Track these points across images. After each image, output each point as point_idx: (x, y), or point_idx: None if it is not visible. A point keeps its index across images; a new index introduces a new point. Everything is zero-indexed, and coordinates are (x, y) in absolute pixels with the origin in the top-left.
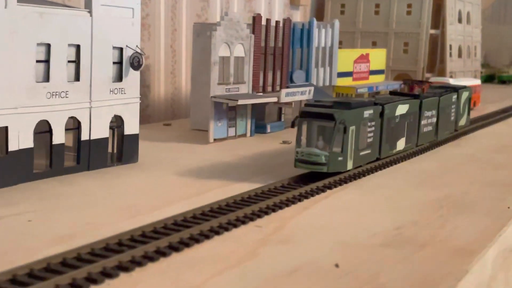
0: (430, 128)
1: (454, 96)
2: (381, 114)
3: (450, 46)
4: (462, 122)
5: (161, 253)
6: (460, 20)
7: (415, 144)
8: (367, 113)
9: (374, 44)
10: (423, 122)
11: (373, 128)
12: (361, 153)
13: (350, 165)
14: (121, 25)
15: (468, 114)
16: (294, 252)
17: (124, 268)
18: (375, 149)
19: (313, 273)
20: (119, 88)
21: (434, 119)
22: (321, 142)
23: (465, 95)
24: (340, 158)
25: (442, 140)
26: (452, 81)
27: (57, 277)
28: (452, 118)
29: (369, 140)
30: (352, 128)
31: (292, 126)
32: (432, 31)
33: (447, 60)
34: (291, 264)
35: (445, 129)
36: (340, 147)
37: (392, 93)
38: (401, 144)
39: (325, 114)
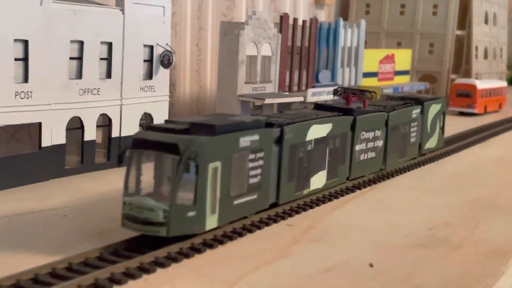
0: (372, 154)
1: (415, 111)
2: (279, 140)
3: (476, 47)
4: (431, 143)
5: (195, 250)
6: (486, 21)
7: (346, 177)
8: (247, 140)
9: (399, 45)
10: (358, 147)
11: (260, 162)
12: (238, 202)
13: (212, 223)
14: (152, 24)
15: (442, 133)
16: (327, 250)
17: (160, 264)
18: (267, 193)
19: (347, 272)
20: (149, 86)
21: (380, 142)
22: (164, 187)
23: (434, 109)
24: (191, 214)
25: (470, 142)
26: (478, 83)
27: (95, 272)
28: (413, 139)
29: (254, 180)
30: (214, 165)
31: (119, 161)
32: (458, 32)
33: (473, 62)
34: (325, 263)
35: (400, 155)
36: (191, 196)
37: (319, 106)
38: (319, 181)
39: (166, 144)
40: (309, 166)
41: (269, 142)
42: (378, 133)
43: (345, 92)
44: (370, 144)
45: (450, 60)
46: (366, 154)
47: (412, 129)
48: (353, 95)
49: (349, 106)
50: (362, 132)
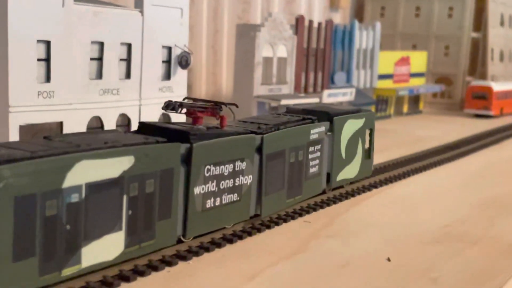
0: (232, 197)
1: (316, 130)
2: None
3: (492, 49)
4: (349, 172)
5: (215, 244)
6: (502, 24)
7: (177, 237)
8: None
9: (414, 47)
10: (201, 189)
11: None
12: None
13: None
14: (170, 25)
15: (368, 157)
16: (345, 246)
17: (182, 257)
18: None
19: (365, 266)
20: (167, 87)
21: (247, 179)
22: None
23: (352, 126)
24: None
25: (486, 143)
26: (494, 85)
27: (121, 265)
28: (314, 169)
29: None
30: None
31: None
32: (474, 34)
33: (489, 64)
34: (343, 257)
35: (290, 193)
36: None
37: (145, 127)
38: (105, 250)
39: None
40: (76, 229)
41: None
42: (242, 165)
43: (181, 106)
44: (227, 183)
45: (466, 62)
46: (218, 199)
47: (311, 156)
48: (201, 110)
49: (194, 126)
50: (207, 167)
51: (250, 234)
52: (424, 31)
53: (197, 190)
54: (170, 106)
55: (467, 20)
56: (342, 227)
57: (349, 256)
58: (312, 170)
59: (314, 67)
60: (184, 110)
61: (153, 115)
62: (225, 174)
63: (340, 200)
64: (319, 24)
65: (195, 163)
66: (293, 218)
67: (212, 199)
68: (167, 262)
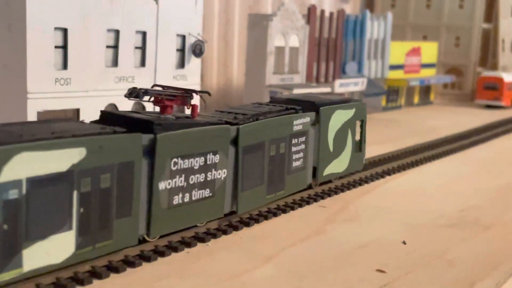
0: (204, 193)
1: (300, 121)
2: None
3: (503, 40)
4: (338, 166)
5: (233, 227)
6: None
7: (138, 236)
8: None
9: (425, 38)
10: (166, 184)
11: None
12: None
13: None
14: (185, 14)
15: (359, 150)
16: (361, 230)
17: (200, 238)
18: None
19: (381, 248)
20: (181, 75)
21: (221, 173)
22: None
23: (341, 117)
24: None
25: (498, 132)
26: (505, 75)
27: (142, 245)
28: (298, 163)
29: None
30: None
31: None
32: (485, 25)
33: (500, 55)
34: (359, 240)
35: (270, 189)
36: None
37: (107, 115)
38: (52, 251)
39: None
40: (15, 229)
41: None
42: (214, 158)
43: (146, 93)
44: (197, 178)
45: (477, 53)
46: (187, 194)
47: (295, 148)
48: (170, 99)
49: (161, 116)
50: (174, 159)
51: (266, 218)
52: (435, 22)
53: (162, 185)
54: (133, 93)
55: (478, 10)
56: (357, 212)
57: (365, 239)
58: (295, 163)
59: (325, 57)
60: (152, 99)
61: None
62: (195, 167)
63: (354, 187)
64: (331, 14)
65: (160, 156)
66: (308, 203)
67: (180, 195)
68: (186, 243)
